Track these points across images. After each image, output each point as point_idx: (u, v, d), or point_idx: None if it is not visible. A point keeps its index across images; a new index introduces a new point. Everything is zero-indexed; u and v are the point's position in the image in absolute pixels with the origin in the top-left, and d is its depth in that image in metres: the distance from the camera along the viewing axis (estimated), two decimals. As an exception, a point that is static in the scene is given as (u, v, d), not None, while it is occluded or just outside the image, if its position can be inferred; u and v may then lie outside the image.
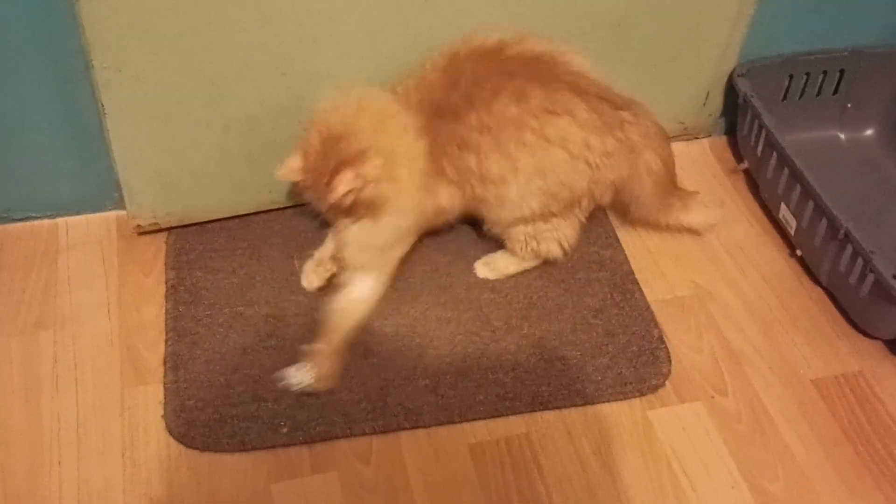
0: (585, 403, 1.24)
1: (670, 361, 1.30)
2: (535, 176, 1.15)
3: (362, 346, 1.29)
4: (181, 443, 1.17)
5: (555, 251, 1.31)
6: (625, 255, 1.44)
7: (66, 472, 1.14)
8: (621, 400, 1.25)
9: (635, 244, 1.47)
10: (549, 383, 1.26)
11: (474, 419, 1.22)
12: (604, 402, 1.25)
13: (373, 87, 1.18)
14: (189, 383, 1.23)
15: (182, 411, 1.20)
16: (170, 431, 1.19)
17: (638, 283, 1.40)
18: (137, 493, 1.12)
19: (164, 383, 1.23)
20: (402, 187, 1.16)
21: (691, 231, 1.43)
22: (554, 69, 1.14)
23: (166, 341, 1.28)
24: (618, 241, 1.46)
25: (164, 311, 1.32)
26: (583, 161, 1.15)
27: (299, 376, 1.20)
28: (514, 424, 1.22)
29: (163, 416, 1.20)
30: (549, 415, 1.23)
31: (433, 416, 1.22)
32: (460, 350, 1.29)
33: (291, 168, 1.17)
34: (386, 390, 1.24)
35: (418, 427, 1.21)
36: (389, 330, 1.32)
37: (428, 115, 1.14)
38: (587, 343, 1.31)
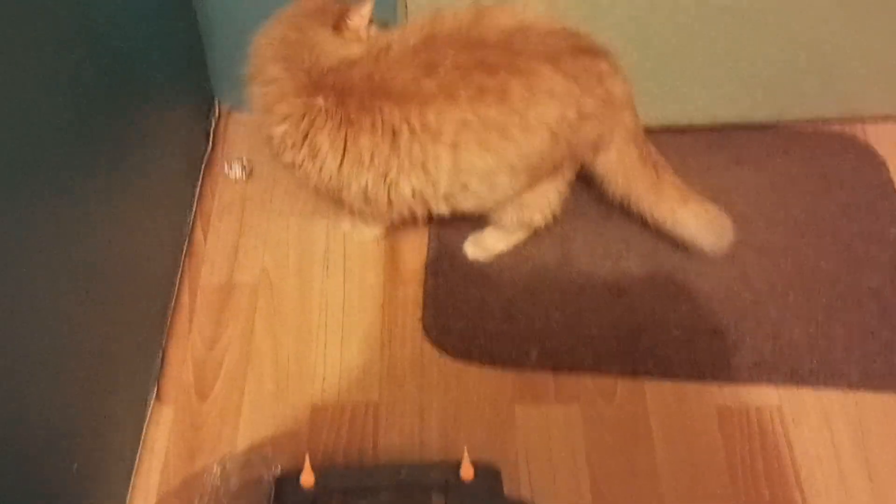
0: (849, 388, 1.17)
1: (953, 360, 1.19)
2: (520, 159, 1.07)
3: (615, 285, 1.28)
4: (435, 346, 1.23)
5: (538, 219, 1.21)
6: (913, 236, 1.32)
7: (330, 355, 1.23)
8: (891, 392, 1.17)
9: (925, 226, 1.34)
10: (811, 359, 1.19)
11: (725, 381, 1.19)
12: (870, 390, 1.17)
13: None
14: (447, 291, 1.27)
15: (439, 317, 1.25)
16: (426, 334, 1.24)
17: (924, 269, 1.28)
18: (391, 385, 1.19)
19: (424, 287, 1.28)
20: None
21: (682, 235, 1.22)
22: (527, 44, 1.04)
23: (429, 247, 1.33)
24: (907, 219, 1.34)
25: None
26: (563, 134, 1.07)
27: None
28: (767, 395, 1.17)
29: (420, 319, 1.25)
30: (807, 392, 1.17)
31: (683, 370, 1.20)
32: (717, 307, 1.25)
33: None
34: (637, 334, 1.23)
35: (666, 377, 1.19)
36: (644, 273, 1.29)
37: (370, 92, 1.04)
38: (858, 324, 1.22)
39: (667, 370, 1.20)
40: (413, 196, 1.09)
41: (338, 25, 1.10)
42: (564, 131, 1.07)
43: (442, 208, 1.13)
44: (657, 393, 1.18)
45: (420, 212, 1.14)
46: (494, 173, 1.08)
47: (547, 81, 1.04)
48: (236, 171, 1.41)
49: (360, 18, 1.10)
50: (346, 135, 1.05)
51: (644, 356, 1.21)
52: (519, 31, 1.05)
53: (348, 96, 1.05)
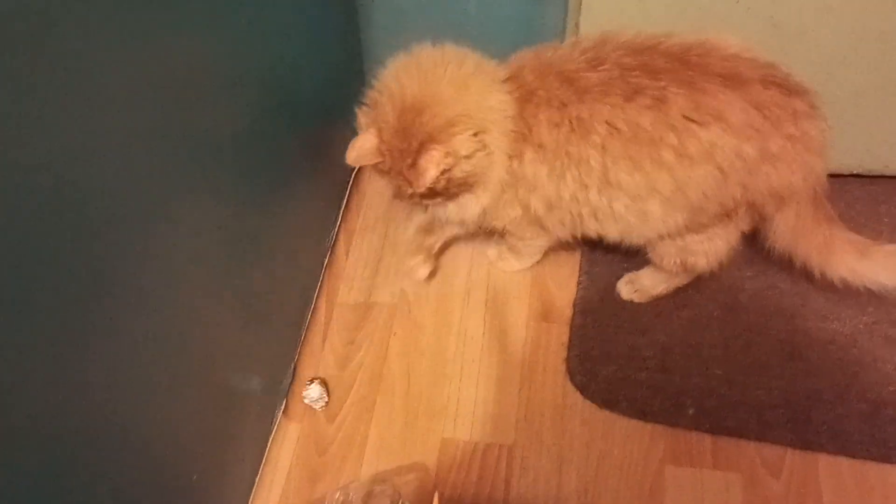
0: None
1: None
2: (676, 193, 0.93)
3: (789, 345, 1.14)
4: (580, 392, 1.12)
5: (702, 265, 1.06)
6: None
7: (465, 388, 1.14)
8: None
9: None
10: None
11: (916, 466, 1.02)
12: None
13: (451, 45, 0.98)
14: (596, 333, 1.17)
15: (586, 360, 1.15)
16: (570, 377, 1.14)
17: None
18: (529, 431, 1.10)
19: (571, 326, 1.19)
20: (496, 156, 0.96)
21: (872, 287, 1.04)
22: (706, 60, 0.91)
23: (578, 284, 1.23)
24: None
25: (580, 250, 1.27)
26: (735, 173, 0.92)
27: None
28: (969, 488, 1.00)
29: (565, 360, 1.16)
30: None
31: (864, 448, 1.04)
32: (911, 381, 1.09)
33: (365, 149, 0.97)
34: (811, 403, 1.08)
35: (844, 454, 1.04)
36: (825, 335, 1.14)
37: (549, 82, 0.95)
38: None
39: (845, 446, 1.04)
40: (570, 200, 1.00)
41: None
42: (737, 170, 0.93)
43: (590, 227, 1.03)
44: (833, 471, 1.03)
45: (571, 228, 1.05)
46: (643, 199, 0.96)
47: (720, 103, 0.91)
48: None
49: None
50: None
51: (819, 429, 1.06)
52: (700, 47, 0.94)
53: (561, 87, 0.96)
